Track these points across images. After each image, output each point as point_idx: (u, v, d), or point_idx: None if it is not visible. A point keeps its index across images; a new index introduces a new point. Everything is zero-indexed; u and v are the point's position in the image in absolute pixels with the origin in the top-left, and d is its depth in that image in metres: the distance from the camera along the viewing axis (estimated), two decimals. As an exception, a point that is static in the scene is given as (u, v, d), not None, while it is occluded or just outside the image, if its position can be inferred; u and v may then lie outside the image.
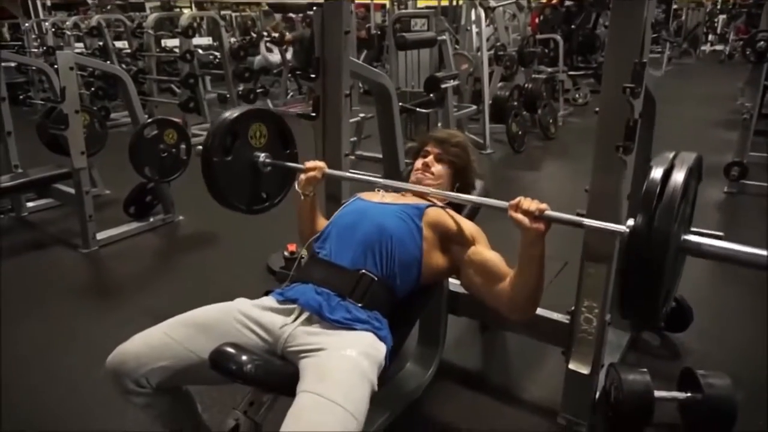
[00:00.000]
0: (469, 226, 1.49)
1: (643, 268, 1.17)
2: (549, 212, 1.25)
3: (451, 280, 1.99)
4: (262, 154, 1.85)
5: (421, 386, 1.93)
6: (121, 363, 1.21)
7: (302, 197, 1.66)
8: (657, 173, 1.21)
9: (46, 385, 2.03)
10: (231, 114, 1.81)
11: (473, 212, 1.74)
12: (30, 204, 3.88)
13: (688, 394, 1.72)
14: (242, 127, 1.81)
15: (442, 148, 1.65)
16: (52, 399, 1.95)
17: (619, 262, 1.21)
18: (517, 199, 1.26)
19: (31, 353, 2.24)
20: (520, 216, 1.24)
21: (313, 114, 1.98)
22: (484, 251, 1.43)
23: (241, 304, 1.34)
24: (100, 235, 3.26)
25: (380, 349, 1.26)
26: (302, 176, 1.67)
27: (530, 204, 1.24)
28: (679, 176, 1.19)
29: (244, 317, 1.29)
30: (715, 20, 15.17)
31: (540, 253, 1.26)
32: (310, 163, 1.68)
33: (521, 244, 1.28)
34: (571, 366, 1.72)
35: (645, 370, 1.74)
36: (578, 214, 1.77)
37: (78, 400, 1.94)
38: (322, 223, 1.70)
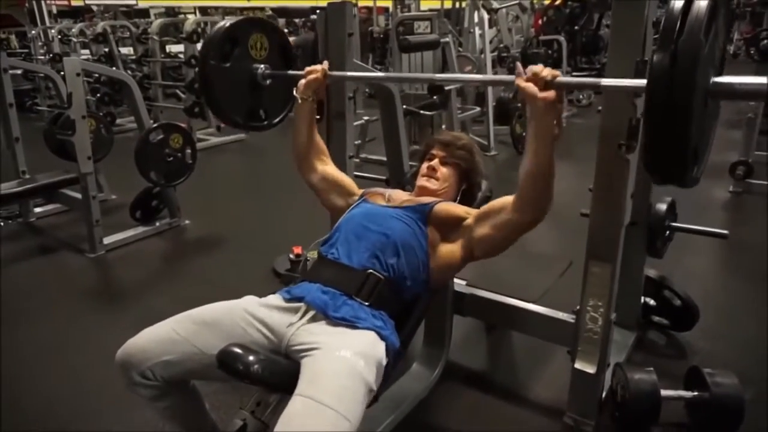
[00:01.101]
0: (464, 207, 1.52)
1: (667, 113, 0.99)
2: (561, 78, 1.16)
3: (456, 280, 2.00)
4: (262, 65, 1.78)
5: (427, 387, 1.93)
6: (129, 356, 1.24)
7: (299, 101, 1.61)
8: (677, 2, 1.00)
9: (55, 387, 2.04)
10: (230, 20, 1.77)
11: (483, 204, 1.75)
12: (37, 209, 3.91)
13: (695, 393, 1.71)
14: (242, 34, 1.75)
15: (448, 150, 1.65)
16: (61, 400, 1.97)
17: (643, 123, 1.06)
18: (527, 68, 1.19)
19: (40, 355, 2.25)
20: (529, 85, 1.16)
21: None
22: (478, 210, 1.46)
23: (248, 302, 1.35)
24: (106, 240, 3.29)
25: (380, 349, 1.25)
26: (302, 80, 1.62)
27: (540, 69, 1.15)
28: (703, 2, 0.99)
29: (250, 316, 1.30)
30: (720, 20, 15.07)
31: (550, 127, 1.19)
32: (311, 68, 1.63)
33: (530, 118, 1.20)
34: (577, 365, 1.72)
35: (651, 369, 1.73)
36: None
37: (86, 400, 1.95)
38: (318, 140, 1.70)
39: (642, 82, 1.07)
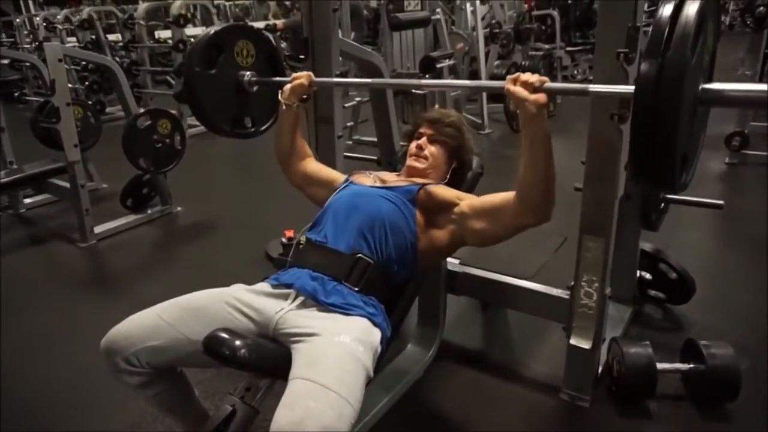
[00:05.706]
0: (455, 191, 1.47)
1: (654, 120, 0.99)
2: (550, 84, 1.18)
3: (449, 259, 1.97)
4: (248, 72, 1.76)
5: (422, 367, 1.92)
6: (113, 342, 1.22)
7: (284, 107, 1.59)
8: (666, 10, 1.00)
9: (50, 376, 2.03)
10: (215, 27, 1.76)
11: (472, 186, 1.71)
12: (27, 200, 3.86)
13: (691, 365, 1.70)
14: (228, 41, 1.73)
15: (435, 128, 1.61)
16: (56, 388, 1.96)
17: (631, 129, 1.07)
18: (516, 74, 1.20)
19: (34, 345, 2.23)
20: (518, 88, 1.17)
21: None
22: (473, 198, 1.42)
23: (236, 289, 1.33)
24: (98, 229, 3.25)
25: (375, 335, 1.25)
26: (287, 86, 1.59)
27: (529, 76, 1.17)
28: (691, 10, 0.98)
29: (237, 302, 1.28)
30: (715, -10, 14.91)
31: (544, 131, 1.20)
32: (296, 74, 1.61)
33: (522, 123, 1.22)
34: (573, 341, 1.70)
35: (647, 342, 1.72)
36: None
37: (81, 388, 1.94)
38: (301, 144, 1.67)
39: (630, 88, 1.07)
